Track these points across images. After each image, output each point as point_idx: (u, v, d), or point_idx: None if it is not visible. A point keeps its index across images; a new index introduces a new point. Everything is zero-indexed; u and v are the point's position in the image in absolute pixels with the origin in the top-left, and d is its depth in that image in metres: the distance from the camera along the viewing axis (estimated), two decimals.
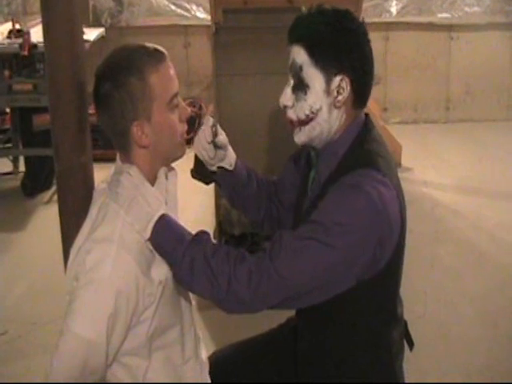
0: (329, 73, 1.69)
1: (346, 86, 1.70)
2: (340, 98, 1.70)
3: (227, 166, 1.93)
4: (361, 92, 1.74)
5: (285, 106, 1.76)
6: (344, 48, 1.69)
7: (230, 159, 1.93)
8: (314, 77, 1.70)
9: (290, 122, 1.77)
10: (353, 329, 1.77)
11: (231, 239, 3.64)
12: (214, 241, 1.69)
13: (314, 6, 1.74)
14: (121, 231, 1.60)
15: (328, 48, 1.68)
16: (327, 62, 1.68)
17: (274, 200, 2.04)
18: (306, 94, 1.71)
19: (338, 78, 1.69)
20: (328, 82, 1.69)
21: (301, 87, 1.71)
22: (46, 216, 4.66)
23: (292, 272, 1.57)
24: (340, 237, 1.57)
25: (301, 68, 1.70)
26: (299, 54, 1.71)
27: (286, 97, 1.75)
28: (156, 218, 1.61)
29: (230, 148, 1.93)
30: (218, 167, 1.93)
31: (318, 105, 1.71)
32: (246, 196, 2.01)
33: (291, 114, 1.75)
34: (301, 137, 1.76)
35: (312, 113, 1.71)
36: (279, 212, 2.04)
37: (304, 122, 1.73)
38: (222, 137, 1.88)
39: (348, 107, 1.73)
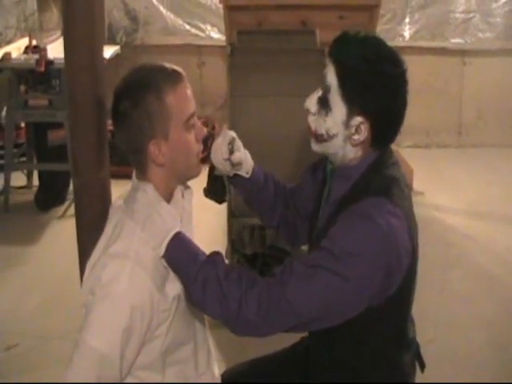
0: (352, 110, 1.65)
1: (365, 130, 1.66)
2: (356, 137, 1.67)
3: (244, 174, 1.93)
4: (381, 138, 1.71)
5: (307, 110, 1.74)
6: (374, 92, 1.64)
7: (247, 167, 1.93)
8: (338, 105, 1.67)
9: (309, 128, 1.76)
10: (363, 349, 1.77)
11: (243, 258, 3.65)
12: (226, 261, 1.70)
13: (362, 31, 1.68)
14: (136, 247, 1.61)
15: (358, 87, 1.64)
16: (353, 100, 1.65)
17: (290, 206, 2.03)
18: (327, 114, 1.69)
19: (358, 119, 1.65)
20: (349, 117, 1.66)
21: (324, 105, 1.69)
22: (60, 230, 4.67)
23: (301, 299, 1.57)
24: (349, 266, 1.57)
25: (329, 89, 1.67)
26: (331, 75, 1.67)
27: (311, 102, 1.73)
28: (171, 235, 1.62)
29: (247, 156, 1.93)
30: (235, 174, 1.93)
31: (334, 130, 1.69)
32: (262, 200, 2.01)
33: (311, 122, 1.74)
34: (317, 149, 1.76)
35: (328, 135, 1.70)
36: (295, 219, 2.03)
37: (319, 139, 1.73)
38: (238, 154, 1.87)
39: (365, 146, 1.71)
